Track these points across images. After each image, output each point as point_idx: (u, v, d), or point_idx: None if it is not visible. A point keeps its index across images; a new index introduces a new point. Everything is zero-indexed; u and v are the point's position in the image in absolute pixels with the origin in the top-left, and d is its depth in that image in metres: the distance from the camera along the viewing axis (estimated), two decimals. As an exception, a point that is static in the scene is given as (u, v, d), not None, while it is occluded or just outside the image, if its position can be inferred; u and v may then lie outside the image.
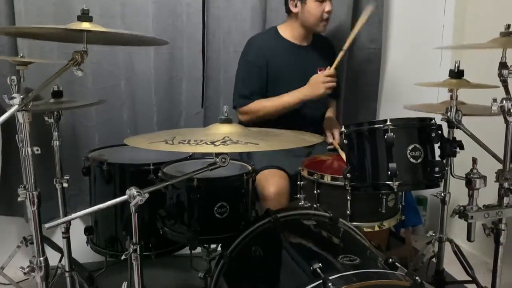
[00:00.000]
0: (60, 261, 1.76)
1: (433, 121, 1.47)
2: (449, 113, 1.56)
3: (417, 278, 1.01)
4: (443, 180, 1.64)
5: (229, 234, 1.44)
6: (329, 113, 2.23)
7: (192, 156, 1.81)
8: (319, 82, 1.89)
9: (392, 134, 1.39)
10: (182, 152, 1.79)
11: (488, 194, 1.42)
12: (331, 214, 1.42)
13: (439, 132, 1.46)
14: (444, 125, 1.56)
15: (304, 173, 1.72)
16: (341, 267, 1.07)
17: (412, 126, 1.45)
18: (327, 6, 1.96)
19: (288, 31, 2.07)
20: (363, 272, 1.05)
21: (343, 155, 1.79)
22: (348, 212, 1.58)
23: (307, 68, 2.03)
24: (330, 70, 1.90)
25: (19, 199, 1.25)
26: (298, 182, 1.75)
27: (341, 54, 1.91)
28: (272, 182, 1.81)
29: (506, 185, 1.37)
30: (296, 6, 2.00)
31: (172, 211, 1.55)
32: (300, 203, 1.72)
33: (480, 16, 2.40)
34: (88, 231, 1.86)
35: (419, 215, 2.46)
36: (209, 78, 2.26)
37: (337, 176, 1.60)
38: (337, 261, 1.10)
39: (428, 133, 1.43)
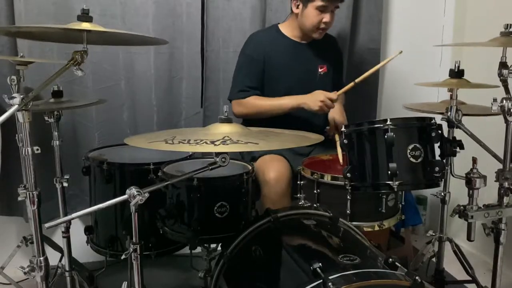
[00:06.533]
0: (60, 260, 1.76)
1: (433, 121, 1.47)
2: (449, 113, 1.57)
3: (417, 278, 1.01)
4: (443, 179, 1.64)
5: (229, 233, 1.44)
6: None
7: (192, 156, 1.81)
8: (318, 99, 1.82)
9: (392, 133, 1.39)
10: (182, 152, 1.79)
11: (488, 193, 1.43)
12: (331, 214, 1.42)
13: (439, 131, 1.46)
14: (444, 125, 1.56)
15: (304, 172, 1.72)
16: (341, 266, 1.07)
17: (412, 126, 1.45)
18: (326, 17, 1.90)
19: (289, 29, 2.05)
20: (363, 272, 1.04)
21: (339, 152, 1.80)
22: (348, 211, 1.58)
23: (308, 65, 2.03)
24: (334, 94, 1.84)
25: (19, 198, 1.25)
26: (298, 182, 1.75)
27: (350, 84, 1.83)
28: (272, 167, 1.79)
29: (506, 184, 1.37)
30: (297, 7, 1.98)
31: (172, 211, 1.55)
32: (300, 203, 1.72)
33: (480, 16, 2.40)
34: (88, 230, 1.86)
35: (419, 214, 2.46)
36: (209, 78, 2.26)
37: (337, 175, 1.61)
38: (337, 261, 1.09)
39: (428, 133, 1.43)
